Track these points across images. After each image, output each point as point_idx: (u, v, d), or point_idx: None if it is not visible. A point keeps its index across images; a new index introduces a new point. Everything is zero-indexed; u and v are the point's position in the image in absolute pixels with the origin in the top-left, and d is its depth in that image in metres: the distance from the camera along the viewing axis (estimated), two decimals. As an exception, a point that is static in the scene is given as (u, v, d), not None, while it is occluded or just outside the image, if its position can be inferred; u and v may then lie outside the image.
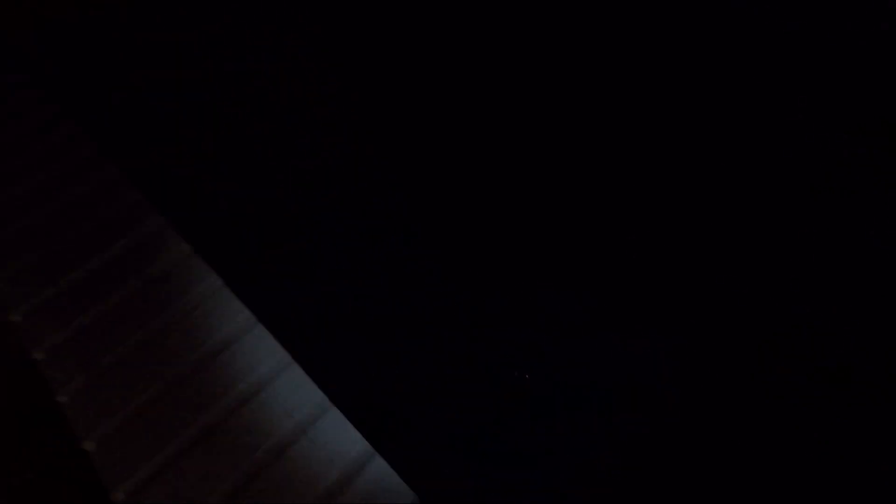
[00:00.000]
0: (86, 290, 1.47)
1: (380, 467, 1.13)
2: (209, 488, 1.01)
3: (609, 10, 3.51)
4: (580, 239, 2.31)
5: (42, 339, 1.25)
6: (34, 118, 2.05)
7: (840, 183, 2.38)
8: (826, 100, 2.67)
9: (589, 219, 2.39)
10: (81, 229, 1.73)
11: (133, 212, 1.87)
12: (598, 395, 1.80)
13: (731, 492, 1.56)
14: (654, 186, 2.49)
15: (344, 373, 1.89)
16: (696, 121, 2.78)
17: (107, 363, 1.21)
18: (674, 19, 3.32)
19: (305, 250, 2.34)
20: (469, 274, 2.20)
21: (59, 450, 0.97)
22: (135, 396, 1.14)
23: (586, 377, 1.85)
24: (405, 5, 3.86)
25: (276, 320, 2.05)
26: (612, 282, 2.14)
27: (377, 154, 2.81)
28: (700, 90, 2.94)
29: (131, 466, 0.95)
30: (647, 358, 1.88)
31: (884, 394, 1.72)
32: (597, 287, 2.12)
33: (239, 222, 2.46)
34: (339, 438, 1.20)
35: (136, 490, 0.92)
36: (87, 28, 3.34)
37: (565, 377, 1.85)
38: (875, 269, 2.06)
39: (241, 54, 3.43)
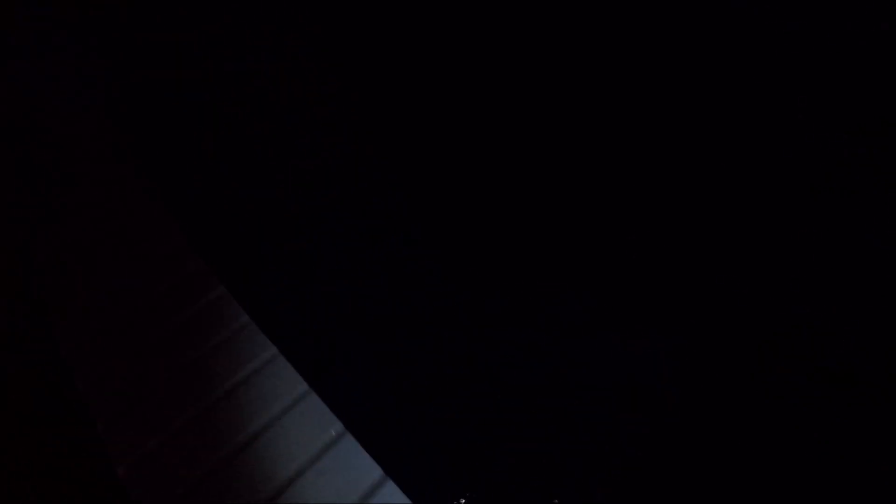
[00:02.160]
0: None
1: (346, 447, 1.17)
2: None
3: (609, 10, 3.51)
4: (580, 239, 2.31)
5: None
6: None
7: (840, 183, 2.38)
8: (826, 100, 2.67)
9: (589, 219, 2.39)
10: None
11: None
12: (598, 394, 1.80)
13: (731, 491, 1.56)
14: (654, 187, 2.49)
15: (345, 372, 1.89)
16: (695, 121, 2.78)
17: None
18: (674, 19, 3.32)
19: (305, 250, 2.34)
20: (469, 274, 2.20)
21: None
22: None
23: (586, 377, 1.85)
24: (405, 5, 3.86)
25: (273, 319, 2.04)
26: (612, 282, 2.14)
27: (377, 154, 2.80)
28: (700, 90, 2.94)
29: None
30: (647, 358, 1.88)
31: (884, 394, 1.72)
32: (597, 287, 2.12)
33: (238, 221, 2.46)
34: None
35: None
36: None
37: (566, 377, 1.85)
38: (875, 269, 2.06)
39: (241, 54, 3.43)
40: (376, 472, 1.15)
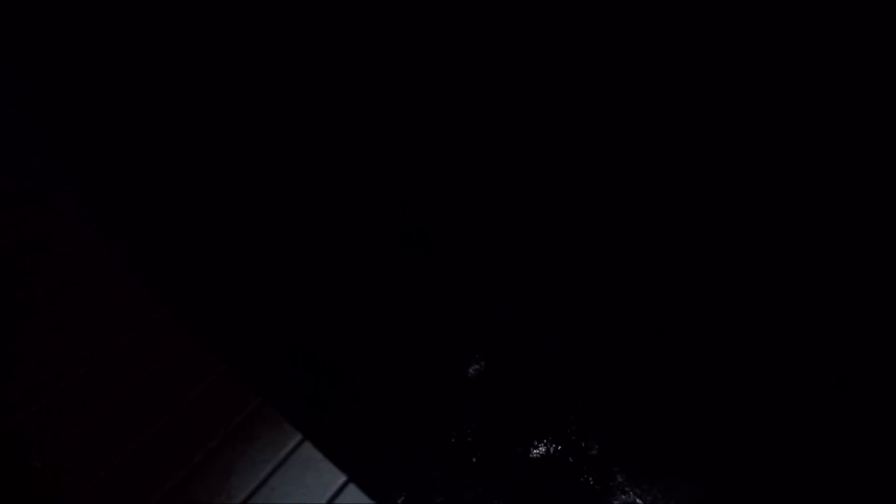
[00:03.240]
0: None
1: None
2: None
3: (609, 10, 3.50)
4: (580, 239, 2.31)
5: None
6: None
7: (840, 183, 2.39)
8: (826, 99, 2.67)
9: (587, 219, 2.39)
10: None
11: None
12: (596, 395, 1.81)
13: (731, 491, 1.58)
14: (653, 187, 2.50)
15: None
16: (695, 122, 2.78)
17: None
18: (673, 19, 3.31)
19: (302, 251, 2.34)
20: (474, 282, 2.20)
21: None
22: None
23: (584, 377, 1.86)
24: (405, 6, 3.85)
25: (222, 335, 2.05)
26: (611, 282, 2.15)
27: (377, 156, 2.80)
28: (700, 91, 2.94)
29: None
30: (646, 357, 1.89)
31: (884, 395, 1.73)
32: (596, 287, 2.13)
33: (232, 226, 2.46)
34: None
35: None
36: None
37: (565, 378, 1.86)
38: (875, 269, 2.07)
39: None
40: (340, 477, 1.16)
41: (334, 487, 1.12)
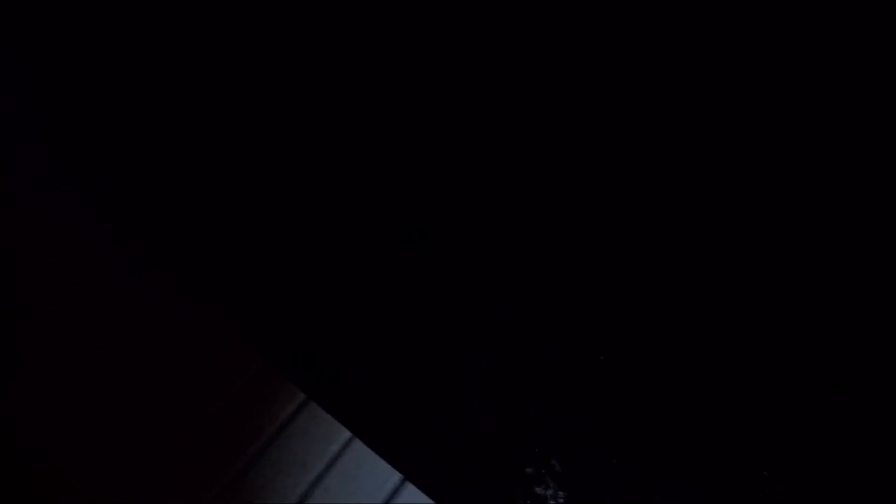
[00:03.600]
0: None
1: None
2: None
3: (609, 9, 3.50)
4: (579, 239, 2.32)
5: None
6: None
7: (839, 183, 2.39)
8: (826, 99, 2.67)
9: (587, 219, 2.39)
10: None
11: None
12: (596, 395, 1.81)
13: (731, 492, 1.58)
14: (653, 187, 2.50)
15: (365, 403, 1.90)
16: (694, 122, 2.78)
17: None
18: (673, 18, 3.31)
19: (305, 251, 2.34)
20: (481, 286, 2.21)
21: None
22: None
23: (584, 377, 1.86)
24: (405, 7, 3.85)
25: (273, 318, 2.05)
26: (610, 281, 2.15)
27: (376, 157, 2.81)
28: (700, 91, 2.94)
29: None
30: (645, 356, 1.89)
31: (884, 395, 1.73)
32: (595, 286, 2.13)
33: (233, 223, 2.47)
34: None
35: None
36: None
37: (564, 378, 1.86)
38: (875, 269, 2.07)
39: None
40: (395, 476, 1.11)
41: (390, 486, 1.08)
